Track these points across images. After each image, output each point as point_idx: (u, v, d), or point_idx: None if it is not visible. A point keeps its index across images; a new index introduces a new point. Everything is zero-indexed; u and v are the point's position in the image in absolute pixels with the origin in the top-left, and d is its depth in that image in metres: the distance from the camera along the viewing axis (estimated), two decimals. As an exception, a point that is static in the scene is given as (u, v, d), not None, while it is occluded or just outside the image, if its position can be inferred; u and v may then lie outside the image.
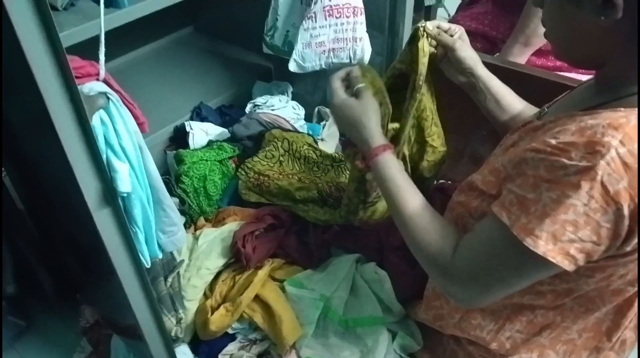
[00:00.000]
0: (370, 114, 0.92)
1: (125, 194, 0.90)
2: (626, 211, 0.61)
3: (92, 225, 0.91)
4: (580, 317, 0.82)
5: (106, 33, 1.19)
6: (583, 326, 0.83)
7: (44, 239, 1.34)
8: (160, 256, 1.04)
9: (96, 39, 1.06)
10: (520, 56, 1.41)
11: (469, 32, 1.52)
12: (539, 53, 1.43)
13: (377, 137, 0.91)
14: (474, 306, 0.86)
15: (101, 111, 0.84)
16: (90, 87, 0.82)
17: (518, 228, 0.66)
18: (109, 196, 0.90)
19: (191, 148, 1.49)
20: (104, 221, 0.92)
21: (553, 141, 0.65)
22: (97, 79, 0.84)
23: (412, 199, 0.85)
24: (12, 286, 1.36)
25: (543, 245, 0.64)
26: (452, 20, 1.63)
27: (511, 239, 0.67)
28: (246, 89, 1.79)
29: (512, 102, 1.04)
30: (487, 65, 1.36)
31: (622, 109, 0.65)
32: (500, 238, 0.69)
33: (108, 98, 0.83)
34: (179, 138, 1.56)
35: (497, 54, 1.51)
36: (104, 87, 0.84)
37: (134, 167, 0.90)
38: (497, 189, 0.76)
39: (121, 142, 0.87)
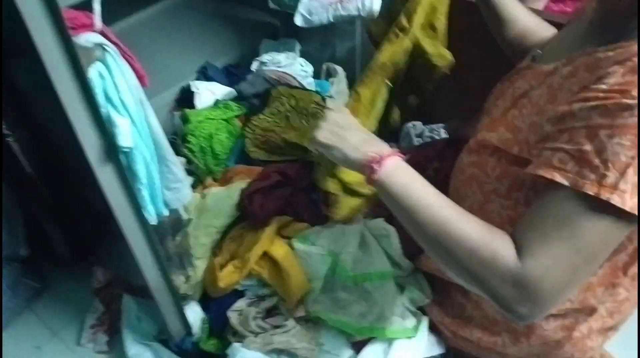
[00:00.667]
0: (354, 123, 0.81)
1: (127, 150, 0.89)
2: None
3: (96, 183, 0.90)
4: (609, 258, 0.74)
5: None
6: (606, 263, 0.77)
7: (55, 201, 1.35)
8: (166, 213, 1.04)
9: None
10: (538, 2, 1.35)
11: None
12: None
13: (379, 143, 0.77)
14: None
15: (99, 63, 0.82)
16: (85, 38, 0.80)
17: (593, 187, 0.56)
18: (110, 152, 0.89)
19: (198, 108, 1.46)
20: (106, 177, 0.91)
21: (603, 87, 0.58)
22: (93, 31, 0.81)
23: (445, 202, 0.68)
24: (26, 249, 1.38)
25: (629, 200, 0.55)
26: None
27: (583, 203, 0.57)
28: (253, 48, 1.75)
29: (520, 15, 1.03)
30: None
31: None
32: (568, 208, 0.58)
33: (105, 50, 0.81)
34: (186, 98, 1.54)
35: None
36: (100, 39, 0.81)
37: (135, 122, 0.89)
38: (518, 146, 0.70)
39: (121, 96, 0.85)
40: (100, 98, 0.83)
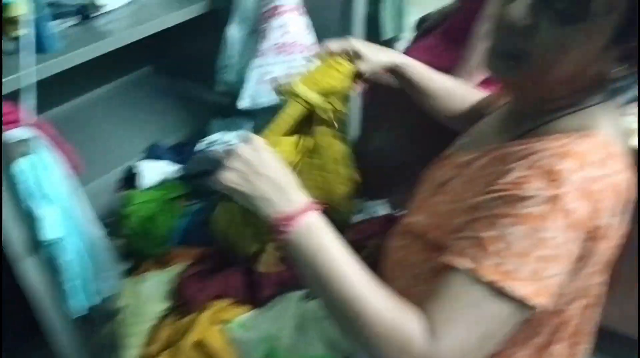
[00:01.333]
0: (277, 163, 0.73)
1: (55, 241, 0.88)
2: (588, 235, 0.61)
3: (21, 276, 0.89)
4: (526, 342, 0.77)
5: (60, 75, 1.20)
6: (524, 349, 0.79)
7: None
8: (98, 301, 1.01)
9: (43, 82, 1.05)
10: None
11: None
12: (486, 84, 1.46)
13: (293, 192, 0.70)
14: None
15: (27, 157, 0.82)
16: (15, 133, 0.81)
17: (491, 273, 0.59)
18: (35, 245, 0.88)
19: (142, 188, 1.46)
20: (33, 270, 0.90)
21: (506, 179, 0.63)
22: (26, 125, 0.83)
23: (359, 275, 0.65)
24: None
25: (523, 288, 0.58)
26: (405, 53, 1.65)
27: (480, 289, 0.60)
28: (204, 126, 1.79)
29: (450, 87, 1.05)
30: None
31: (552, 135, 0.66)
32: (463, 289, 0.61)
33: (36, 143, 0.82)
34: (130, 178, 1.54)
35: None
36: (30, 133, 0.82)
37: (65, 211, 0.88)
38: (438, 232, 0.73)
39: (52, 186, 0.85)
40: (26, 192, 0.82)
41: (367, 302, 0.62)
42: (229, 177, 0.70)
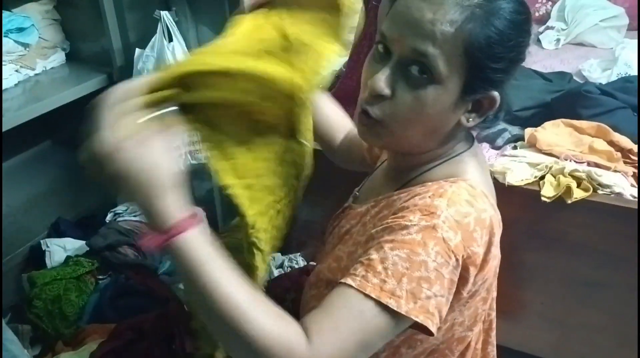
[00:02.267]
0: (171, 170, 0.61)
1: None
2: (460, 261, 0.68)
3: None
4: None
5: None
6: None
7: None
8: (2, 395, 0.96)
9: None
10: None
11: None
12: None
13: (176, 203, 0.60)
14: None
15: None
16: None
17: (374, 291, 0.64)
18: None
19: (48, 267, 1.42)
20: None
21: (393, 215, 0.71)
22: None
23: (240, 285, 0.62)
24: None
25: (404, 305, 0.64)
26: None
27: (366, 305, 0.64)
28: (109, 198, 1.77)
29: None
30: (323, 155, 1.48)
31: (429, 182, 0.75)
32: (346, 304, 0.65)
33: None
34: (36, 257, 1.50)
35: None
36: None
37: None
38: (341, 273, 0.77)
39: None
40: None
41: (250, 318, 0.60)
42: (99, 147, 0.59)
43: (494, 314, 0.89)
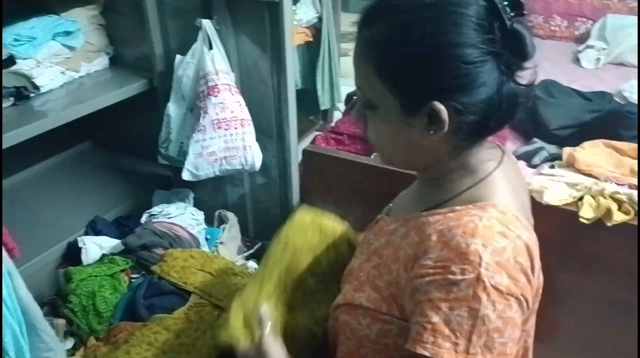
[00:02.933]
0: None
1: (-8, 325, 0.88)
2: (520, 297, 0.68)
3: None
4: None
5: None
6: None
7: None
8: (37, 385, 0.99)
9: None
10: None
11: (349, 136, 1.67)
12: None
13: None
14: None
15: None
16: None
17: (449, 354, 0.66)
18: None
19: (84, 264, 1.46)
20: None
21: (430, 262, 0.69)
22: (-39, 210, 0.84)
23: None
24: None
25: None
26: (336, 125, 1.77)
27: None
28: (146, 199, 1.81)
29: None
30: (363, 166, 1.50)
31: (458, 207, 0.74)
32: None
33: (-29, 228, 0.83)
34: (72, 254, 1.53)
35: (375, 154, 1.64)
36: (-33, 218, 0.84)
37: (2, 295, 0.88)
38: (386, 304, 0.78)
39: (-14, 271, 0.86)
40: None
41: None
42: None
43: (530, 341, 0.86)
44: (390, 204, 0.97)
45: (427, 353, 0.67)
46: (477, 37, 0.67)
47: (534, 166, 1.46)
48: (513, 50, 0.69)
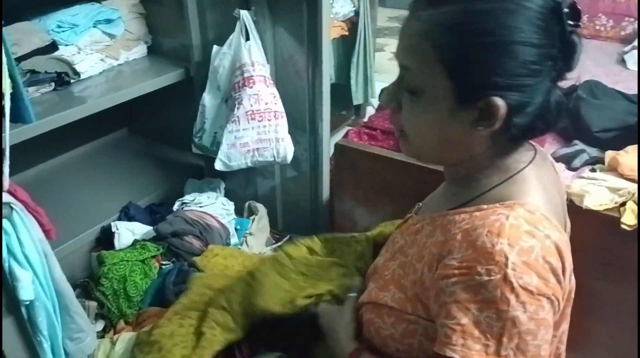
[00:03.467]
0: (344, 323, 0.91)
1: (28, 302, 0.90)
2: (552, 297, 0.66)
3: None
4: None
5: (38, 137, 1.25)
6: None
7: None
8: (68, 364, 1.01)
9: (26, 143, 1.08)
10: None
11: (382, 131, 1.65)
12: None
13: (347, 345, 0.88)
14: None
15: (4, 220, 0.85)
16: (-7, 198, 0.84)
17: (480, 356, 0.64)
18: (11, 305, 0.90)
19: (116, 248, 1.48)
20: (5, 331, 0.91)
21: (455, 263, 0.68)
22: (3, 190, 0.86)
23: None
24: None
25: None
26: (369, 120, 1.75)
27: None
28: (178, 187, 1.84)
29: None
30: (398, 162, 1.48)
31: (485, 206, 0.71)
32: None
33: (11, 208, 0.85)
34: (106, 238, 1.56)
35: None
36: (7, 198, 0.86)
37: (38, 274, 0.91)
38: (410, 305, 0.77)
39: (24, 250, 0.88)
40: (4, 253, 0.85)
41: None
42: (323, 312, 0.95)
43: (563, 348, 0.83)
44: (420, 204, 0.95)
45: (456, 356, 0.65)
46: (543, 40, 0.66)
47: (574, 169, 1.41)
48: (565, 58, 0.68)
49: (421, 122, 0.73)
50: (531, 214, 0.69)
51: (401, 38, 0.72)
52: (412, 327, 0.78)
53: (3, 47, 0.80)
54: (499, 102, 0.66)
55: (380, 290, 0.84)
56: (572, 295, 0.77)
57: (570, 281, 0.74)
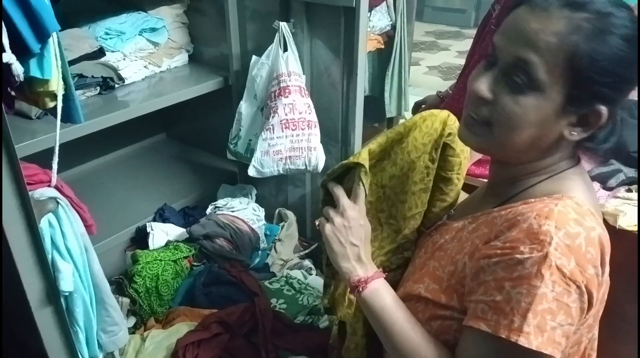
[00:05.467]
0: (364, 236, 0.87)
1: (67, 294, 0.94)
2: (583, 288, 0.67)
3: (33, 323, 0.94)
4: None
5: (82, 138, 1.31)
6: None
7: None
8: (100, 356, 1.05)
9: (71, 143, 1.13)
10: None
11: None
12: (478, 163, 1.55)
13: (368, 265, 0.86)
14: None
15: (50, 214, 0.90)
16: (41, 193, 0.90)
17: (505, 331, 0.67)
18: (51, 295, 0.94)
19: (150, 248, 1.53)
20: (45, 319, 0.95)
21: (499, 243, 0.71)
22: (49, 186, 0.91)
23: (413, 333, 0.80)
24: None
25: (534, 340, 0.66)
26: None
27: (500, 344, 0.67)
28: (212, 191, 1.89)
29: None
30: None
31: (532, 199, 0.74)
32: (490, 349, 0.69)
33: (57, 203, 0.90)
34: (141, 238, 1.62)
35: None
36: (54, 193, 0.91)
37: (78, 267, 0.95)
38: (445, 296, 0.79)
39: (67, 243, 0.92)
40: (48, 245, 0.90)
41: (419, 353, 0.77)
42: (329, 231, 0.86)
43: (594, 355, 0.83)
44: (452, 211, 0.97)
45: (489, 330, 0.68)
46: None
47: (609, 189, 1.39)
48: None
49: (521, 117, 0.72)
50: (579, 207, 0.71)
51: (523, 31, 0.70)
52: (447, 322, 0.80)
53: (59, 50, 0.85)
54: (604, 112, 0.70)
55: (414, 282, 0.87)
56: (605, 297, 0.77)
57: (606, 282, 0.75)
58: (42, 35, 0.77)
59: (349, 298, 0.98)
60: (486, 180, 0.93)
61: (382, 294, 0.83)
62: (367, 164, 0.87)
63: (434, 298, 0.81)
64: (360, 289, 0.82)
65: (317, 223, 0.91)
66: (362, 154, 0.89)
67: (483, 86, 0.74)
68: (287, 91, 1.51)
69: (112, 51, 1.57)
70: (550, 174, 0.78)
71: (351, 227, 0.85)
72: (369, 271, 0.84)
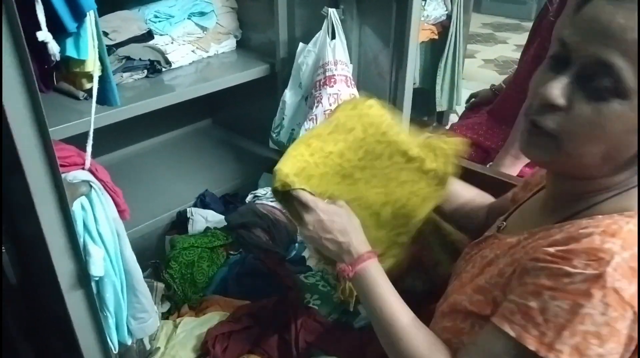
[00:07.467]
0: (353, 220, 0.90)
1: (97, 278, 0.93)
2: (635, 314, 0.60)
3: (63, 306, 0.94)
4: None
5: (128, 120, 1.31)
6: None
7: (30, 317, 1.37)
8: (129, 342, 1.05)
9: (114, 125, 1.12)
10: (512, 167, 1.43)
11: (465, 141, 1.58)
12: (532, 164, 1.45)
13: (361, 244, 0.87)
14: None
15: (83, 197, 0.89)
16: (74, 175, 0.89)
17: (533, 342, 0.62)
18: (82, 279, 0.94)
19: (189, 233, 1.53)
20: (75, 302, 0.95)
21: (552, 250, 0.64)
22: (83, 168, 0.90)
23: (402, 313, 0.80)
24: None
25: None
26: (451, 128, 1.68)
27: (520, 352, 0.63)
28: (253, 180, 1.86)
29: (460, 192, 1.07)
30: (478, 175, 1.40)
31: (599, 216, 0.66)
32: (505, 351, 0.65)
33: (90, 186, 0.89)
34: (181, 223, 1.62)
35: (490, 163, 1.53)
36: (87, 176, 0.90)
37: (109, 252, 0.94)
38: (490, 307, 0.73)
39: (99, 228, 0.91)
40: (80, 229, 0.89)
41: (408, 339, 0.77)
42: (307, 234, 0.88)
43: None
44: (503, 222, 0.89)
45: (512, 334, 0.64)
46: None
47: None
48: None
49: (601, 128, 0.62)
50: None
51: (606, 28, 0.60)
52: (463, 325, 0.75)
53: (97, 32, 0.83)
54: None
55: (458, 294, 0.81)
56: None
57: None
58: (79, 14, 0.75)
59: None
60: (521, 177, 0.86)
61: (369, 279, 0.84)
62: (292, 179, 0.88)
63: (479, 310, 0.75)
64: (346, 276, 0.85)
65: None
66: (283, 170, 0.91)
67: (556, 91, 0.63)
68: (332, 80, 1.46)
69: (161, 34, 1.56)
70: (622, 190, 0.69)
71: (322, 220, 0.87)
72: (357, 255, 0.85)
